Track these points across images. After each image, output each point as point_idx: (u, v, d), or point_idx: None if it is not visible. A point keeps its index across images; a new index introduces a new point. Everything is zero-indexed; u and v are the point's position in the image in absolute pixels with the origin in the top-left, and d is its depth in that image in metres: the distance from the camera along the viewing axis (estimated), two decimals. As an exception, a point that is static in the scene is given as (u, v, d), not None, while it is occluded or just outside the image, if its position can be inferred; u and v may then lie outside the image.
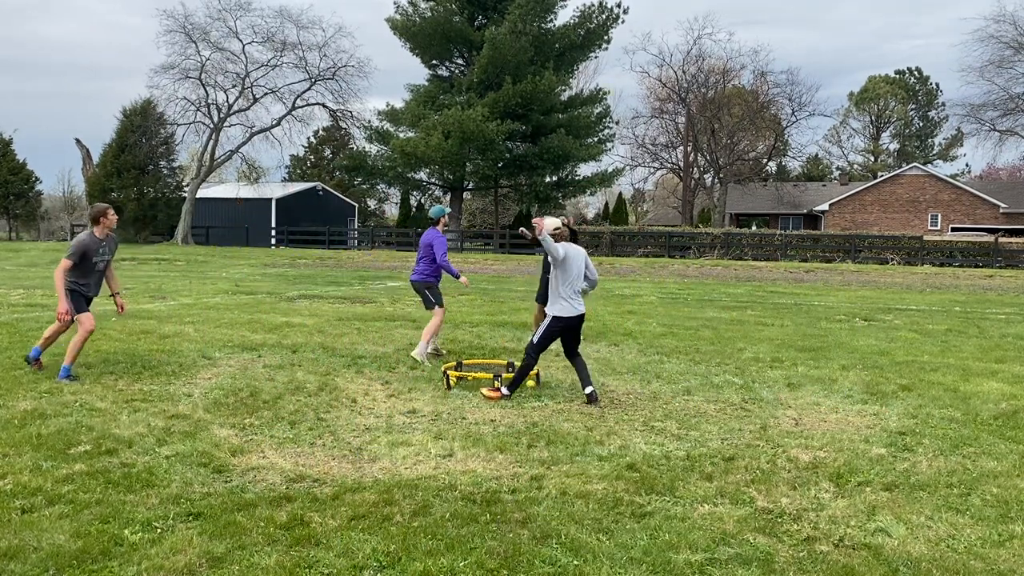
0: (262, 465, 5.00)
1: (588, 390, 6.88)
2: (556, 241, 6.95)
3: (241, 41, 43.65)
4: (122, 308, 7.88)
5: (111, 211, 7.51)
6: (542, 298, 11.52)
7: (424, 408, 6.60)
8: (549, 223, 7.03)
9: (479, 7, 45.47)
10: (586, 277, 7.15)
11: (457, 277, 8.86)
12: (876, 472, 5.06)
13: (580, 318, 7.05)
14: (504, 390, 6.94)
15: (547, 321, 7.01)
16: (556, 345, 9.99)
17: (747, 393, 7.41)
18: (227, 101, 44.63)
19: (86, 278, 7.46)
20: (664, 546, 3.87)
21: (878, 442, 5.75)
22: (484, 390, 7.02)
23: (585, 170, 49.06)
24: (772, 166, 65.62)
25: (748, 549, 3.87)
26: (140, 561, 3.61)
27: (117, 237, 7.68)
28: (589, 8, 45.32)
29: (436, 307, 8.88)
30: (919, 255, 35.50)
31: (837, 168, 74.35)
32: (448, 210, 9.36)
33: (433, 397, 7.01)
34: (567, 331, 7.05)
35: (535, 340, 7.05)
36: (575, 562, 3.68)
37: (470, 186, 49.72)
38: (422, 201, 52.94)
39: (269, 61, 44.45)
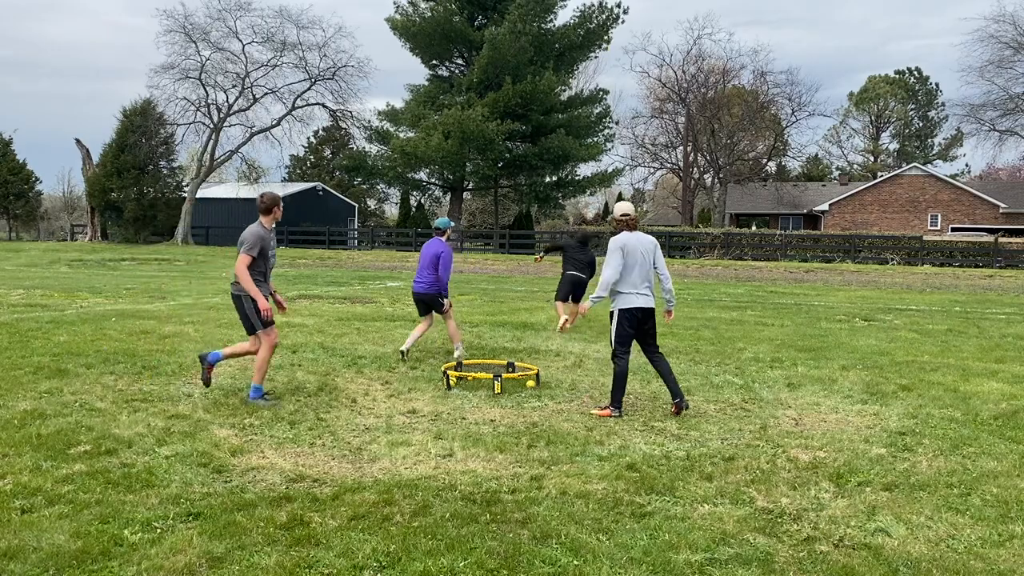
0: (262, 465, 5.00)
1: (676, 400, 6.46)
2: (624, 229, 6.58)
3: (241, 41, 43.68)
4: (282, 307, 6.98)
5: (281, 202, 6.82)
6: (562, 296, 11.92)
7: (424, 408, 6.60)
8: (617, 208, 6.73)
9: (479, 7, 45.46)
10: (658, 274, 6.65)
11: (445, 297, 9.00)
12: (876, 472, 5.06)
13: (648, 312, 6.54)
14: (612, 409, 6.44)
15: (615, 319, 6.52)
16: (557, 345, 10.03)
17: (747, 393, 7.41)
18: (227, 101, 44.67)
19: (263, 275, 6.73)
20: (664, 546, 3.87)
21: (878, 442, 5.75)
22: (595, 410, 6.54)
23: (585, 170, 49.15)
24: (772, 166, 65.64)
25: (748, 549, 3.87)
26: (140, 561, 3.61)
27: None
28: (589, 8, 45.32)
29: (448, 308, 9.01)
30: (919, 255, 35.49)
31: (837, 168, 74.34)
32: (453, 223, 9.40)
33: (433, 397, 7.01)
34: (638, 326, 6.55)
35: (612, 344, 6.59)
36: (575, 562, 3.68)
37: (470, 186, 49.72)
38: (422, 201, 52.95)
39: (269, 61, 44.50)
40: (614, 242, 6.54)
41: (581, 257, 12.01)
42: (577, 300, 11.83)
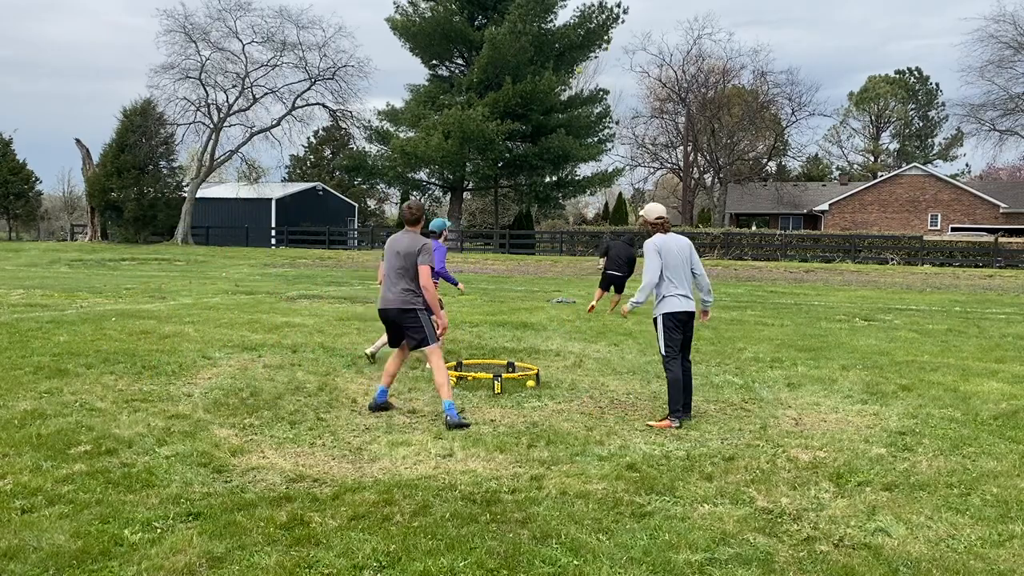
0: (262, 465, 5.00)
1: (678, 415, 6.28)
2: (658, 231, 6.39)
3: (241, 41, 43.66)
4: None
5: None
6: (602, 286, 13.81)
7: (424, 408, 6.60)
8: (651, 210, 6.54)
9: (479, 7, 45.44)
10: (693, 274, 6.46)
11: (456, 284, 9.26)
12: (876, 472, 5.06)
13: (689, 315, 6.36)
14: (672, 419, 6.15)
15: (660, 325, 6.33)
16: (557, 345, 10.03)
17: (747, 393, 7.41)
18: (227, 101, 44.64)
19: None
20: (664, 546, 3.87)
21: (878, 442, 5.75)
22: (652, 423, 6.20)
23: (585, 170, 49.10)
24: (772, 166, 65.65)
25: (748, 549, 3.87)
26: (140, 561, 3.61)
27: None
28: (589, 8, 45.31)
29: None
30: (919, 255, 35.49)
31: (837, 168, 74.32)
32: (449, 223, 9.27)
33: (433, 397, 7.01)
34: (683, 329, 6.38)
35: (662, 351, 6.37)
36: (575, 562, 3.68)
37: (470, 186, 49.71)
38: (422, 201, 52.93)
39: (269, 61, 44.47)
40: (650, 244, 6.34)
41: (622, 254, 13.71)
42: (619, 290, 13.90)
